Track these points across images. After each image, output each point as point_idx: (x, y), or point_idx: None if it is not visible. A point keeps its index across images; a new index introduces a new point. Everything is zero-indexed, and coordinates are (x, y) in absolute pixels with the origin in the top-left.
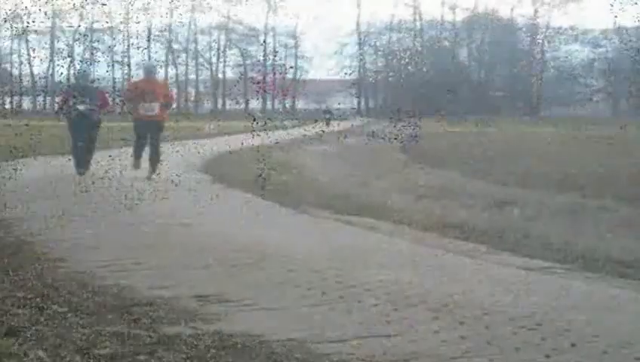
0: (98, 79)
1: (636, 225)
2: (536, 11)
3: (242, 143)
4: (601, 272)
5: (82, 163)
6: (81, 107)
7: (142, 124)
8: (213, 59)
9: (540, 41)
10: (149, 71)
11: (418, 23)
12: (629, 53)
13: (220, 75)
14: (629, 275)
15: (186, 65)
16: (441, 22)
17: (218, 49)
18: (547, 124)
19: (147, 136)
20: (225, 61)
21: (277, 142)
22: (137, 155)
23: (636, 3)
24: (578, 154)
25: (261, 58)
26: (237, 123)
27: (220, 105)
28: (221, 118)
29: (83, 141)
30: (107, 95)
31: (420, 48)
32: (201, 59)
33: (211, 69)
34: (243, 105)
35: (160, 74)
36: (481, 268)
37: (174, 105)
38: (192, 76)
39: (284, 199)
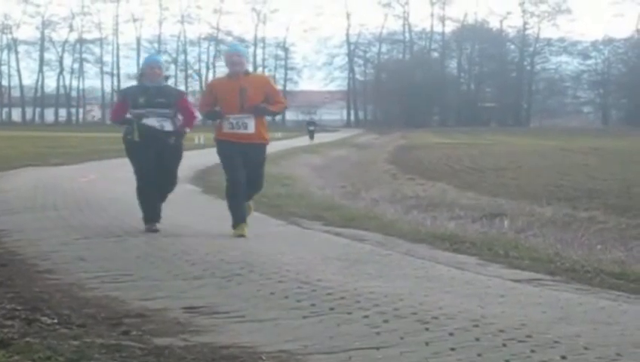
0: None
1: (626, 237)
2: (525, 23)
3: None
4: (591, 284)
5: (155, 213)
6: (151, 121)
7: (230, 149)
8: (203, 71)
9: (530, 52)
10: (235, 56)
11: (407, 35)
12: (619, 65)
13: None
14: (619, 287)
15: (175, 76)
16: (431, 33)
17: (207, 60)
18: (537, 136)
19: (239, 165)
20: (214, 72)
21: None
22: (235, 205)
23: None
24: (568, 166)
25: (251, 69)
26: None
27: None
28: (211, 129)
29: (153, 178)
30: (191, 103)
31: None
32: (190, 71)
33: (200, 81)
34: None
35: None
36: (471, 279)
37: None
38: (182, 87)
39: (273, 210)
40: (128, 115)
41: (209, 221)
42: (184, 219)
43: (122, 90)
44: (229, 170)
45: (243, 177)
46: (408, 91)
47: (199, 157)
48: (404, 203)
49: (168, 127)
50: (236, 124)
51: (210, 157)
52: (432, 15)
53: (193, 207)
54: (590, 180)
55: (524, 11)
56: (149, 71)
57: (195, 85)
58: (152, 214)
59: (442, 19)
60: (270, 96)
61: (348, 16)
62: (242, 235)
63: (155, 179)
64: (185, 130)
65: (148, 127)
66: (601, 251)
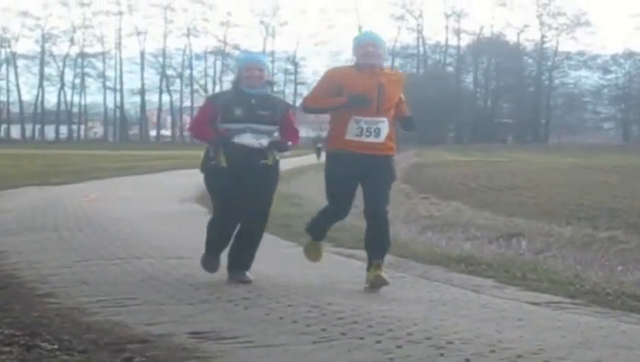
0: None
1: None
2: (543, 36)
3: None
4: (612, 307)
5: (224, 244)
6: (246, 139)
7: (349, 165)
8: (209, 86)
9: (548, 66)
10: (371, 46)
11: (421, 48)
12: None
13: None
14: None
15: (181, 91)
16: (445, 47)
17: (214, 75)
18: (555, 153)
19: (352, 191)
20: (221, 87)
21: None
22: (320, 227)
23: None
24: (588, 184)
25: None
26: None
27: None
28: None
29: (239, 215)
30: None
31: (423, 74)
32: (196, 86)
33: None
34: None
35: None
36: (487, 302)
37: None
38: (187, 103)
39: (282, 231)
40: (212, 131)
41: None
42: (189, 241)
43: (212, 97)
44: (336, 193)
45: (350, 207)
46: (422, 107)
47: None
48: (419, 223)
49: (266, 144)
50: (366, 130)
51: None
52: (446, 28)
53: (198, 229)
54: (611, 199)
55: (542, 24)
56: (248, 73)
57: (201, 101)
58: (220, 245)
59: (457, 33)
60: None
61: (360, 29)
62: (382, 280)
63: (241, 217)
64: (289, 144)
65: (241, 146)
66: (623, 273)
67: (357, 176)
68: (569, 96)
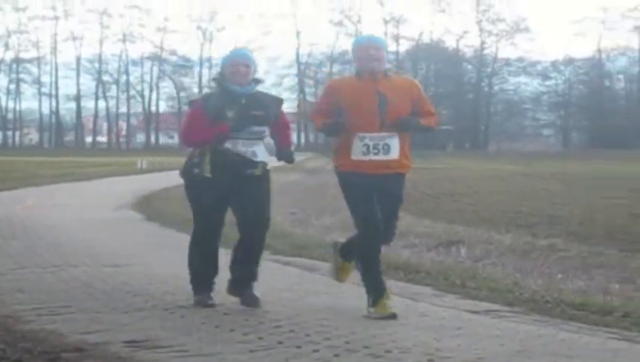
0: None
1: (588, 265)
2: (483, 42)
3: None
4: (551, 315)
5: (213, 278)
6: (236, 145)
7: (362, 182)
8: (146, 92)
9: (488, 73)
10: (373, 49)
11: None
12: (580, 86)
13: (153, 108)
14: (580, 318)
15: (117, 97)
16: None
17: (151, 80)
18: (495, 160)
19: (371, 206)
20: (158, 94)
21: None
22: (376, 265)
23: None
24: (528, 191)
25: (196, 90)
26: (174, 158)
27: (153, 140)
28: (155, 153)
29: (219, 231)
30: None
31: None
32: (133, 92)
33: (143, 102)
34: (176, 140)
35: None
36: (426, 311)
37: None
38: (124, 109)
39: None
40: (201, 138)
41: (152, 250)
42: (125, 248)
43: (202, 98)
44: (363, 210)
45: (381, 221)
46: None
47: (141, 182)
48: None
49: (260, 154)
50: (373, 147)
51: (154, 182)
52: (385, 34)
53: (135, 236)
54: (551, 206)
55: (481, 30)
56: (233, 70)
57: (137, 107)
58: (208, 281)
59: (396, 39)
60: (418, 105)
61: (298, 34)
62: (393, 315)
63: (221, 234)
64: (292, 153)
65: (231, 153)
66: (562, 280)
67: (373, 191)
68: (509, 102)
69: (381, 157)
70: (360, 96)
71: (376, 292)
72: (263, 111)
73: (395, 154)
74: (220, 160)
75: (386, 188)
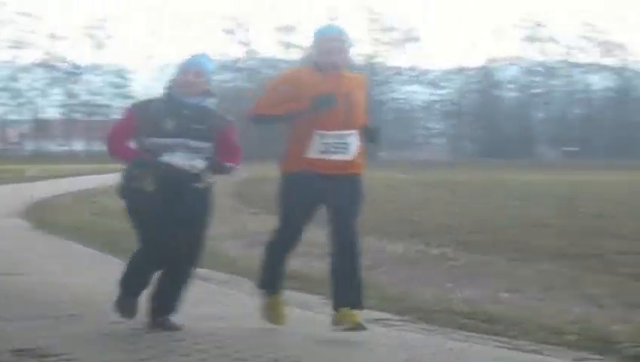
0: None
1: (477, 275)
2: (374, 51)
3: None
4: (439, 324)
5: (143, 286)
6: (176, 159)
7: (311, 189)
8: (37, 99)
9: (379, 81)
10: (336, 41)
11: (252, 62)
12: (472, 95)
13: (44, 116)
14: (469, 327)
15: (6, 105)
16: (276, 61)
17: (41, 87)
18: (386, 168)
19: (311, 217)
20: (48, 101)
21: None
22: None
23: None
24: (420, 200)
25: (87, 98)
26: (67, 166)
27: (43, 147)
28: (45, 160)
29: (166, 247)
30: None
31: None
32: (22, 99)
33: (34, 109)
34: (66, 147)
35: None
36: (315, 320)
37: None
38: (13, 116)
39: (111, 247)
40: (133, 146)
41: (41, 258)
42: (16, 255)
43: (139, 104)
44: (293, 214)
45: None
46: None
47: (30, 190)
48: (249, 238)
49: (200, 165)
50: (333, 146)
51: (43, 190)
52: (277, 42)
53: (24, 244)
54: (441, 215)
55: (372, 39)
56: (183, 77)
57: (28, 114)
58: (139, 286)
59: (287, 47)
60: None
61: (183, 41)
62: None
63: (169, 251)
64: (230, 165)
65: (170, 167)
66: (451, 289)
67: (320, 201)
68: (400, 111)
69: (339, 156)
70: (327, 91)
71: (270, 289)
72: (204, 126)
73: (351, 154)
74: (160, 174)
75: (340, 191)
